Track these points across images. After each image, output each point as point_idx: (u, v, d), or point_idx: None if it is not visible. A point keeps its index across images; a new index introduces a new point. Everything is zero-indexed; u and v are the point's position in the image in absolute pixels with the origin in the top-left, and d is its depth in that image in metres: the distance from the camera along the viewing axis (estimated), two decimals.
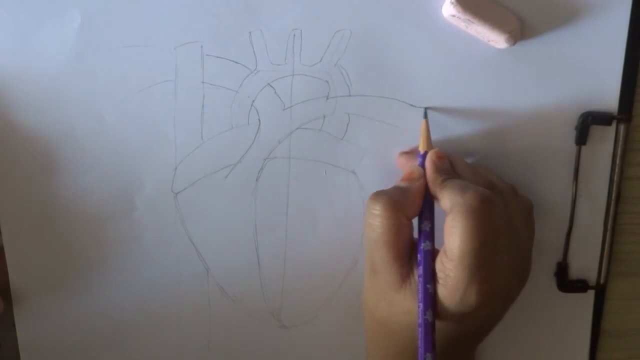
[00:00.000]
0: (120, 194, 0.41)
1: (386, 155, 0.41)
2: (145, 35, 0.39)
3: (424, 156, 0.39)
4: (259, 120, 0.40)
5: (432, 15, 0.39)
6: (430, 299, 0.36)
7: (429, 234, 0.37)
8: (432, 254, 0.37)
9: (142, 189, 0.41)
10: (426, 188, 0.38)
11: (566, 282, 0.44)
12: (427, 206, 0.38)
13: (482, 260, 0.35)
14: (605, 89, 0.40)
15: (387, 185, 0.38)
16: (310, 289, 0.44)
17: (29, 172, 0.40)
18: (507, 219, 0.37)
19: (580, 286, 0.44)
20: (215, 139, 0.41)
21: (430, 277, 0.36)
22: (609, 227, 0.43)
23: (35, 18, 0.38)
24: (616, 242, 0.43)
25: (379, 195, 0.37)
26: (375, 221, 0.37)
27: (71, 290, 0.43)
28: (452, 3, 0.38)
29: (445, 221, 0.36)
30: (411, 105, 0.40)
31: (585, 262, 0.44)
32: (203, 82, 0.40)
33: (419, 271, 0.36)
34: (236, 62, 0.39)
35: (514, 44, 0.39)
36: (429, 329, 0.35)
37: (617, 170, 0.42)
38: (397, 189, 0.38)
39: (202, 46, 0.39)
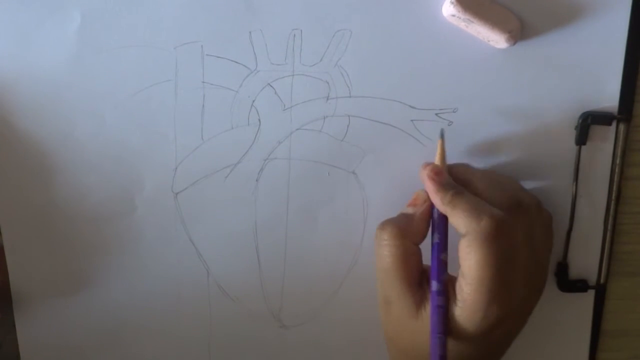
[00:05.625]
0: (120, 195, 0.41)
1: (386, 156, 0.41)
2: (145, 35, 0.39)
3: None
4: (259, 120, 0.40)
5: (432, 15, 0.39)
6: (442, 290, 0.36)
7: (440, 246, 0.37)
8: (443, 262, 0.37)
9: (142, 189, 0.41)
10: (431, 210, 0.38)
11: (566, 281, 0.43)
12: (435, 224, 0.37)
13: (500, 282, 0.34)
14: (605, 89, 0.40)
15: (386, 185, 0.38)
16: (310, 289, 0.44)
17: (29, 173, 0.40)
18: (526, 236, 0.37)
19: (580, 286, 0.44)
20: (215, 139, 0.41)
21: (439, 269, 0.36)
22: (609, 227, 0.43)
23: (34, 18, 0.38)
24: (616, 242, 0.43)
25: (385, 224, 0.37)
26: (384, 251, 0.37)
27: (71, 291, 0.43)
28: (452, 3, 0.37)
29: (460, 243, 0.35)
30: (411, 106, 0.40)
31: (586, 262, 0.44)
32: (203, 82, 0.40)
33: (431, 286, 0.36)
34: (236, 62, 0.39)
35: (514, 43, 0.39)
36: (440, 312, 0.36)
37: (617, 170, 0.42)
38: (402, 216, 0.38)
39: (202, 46, 0.39)
